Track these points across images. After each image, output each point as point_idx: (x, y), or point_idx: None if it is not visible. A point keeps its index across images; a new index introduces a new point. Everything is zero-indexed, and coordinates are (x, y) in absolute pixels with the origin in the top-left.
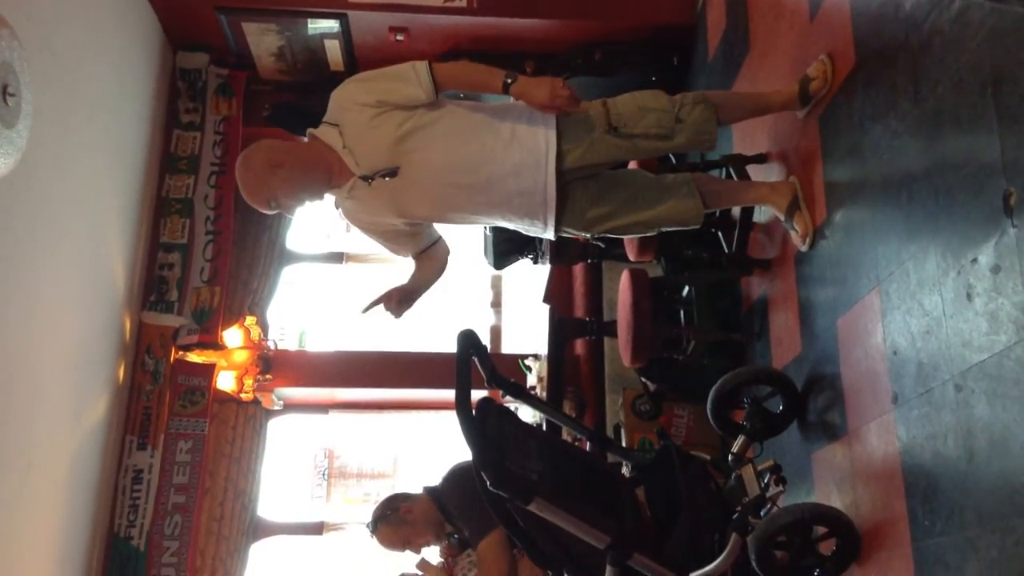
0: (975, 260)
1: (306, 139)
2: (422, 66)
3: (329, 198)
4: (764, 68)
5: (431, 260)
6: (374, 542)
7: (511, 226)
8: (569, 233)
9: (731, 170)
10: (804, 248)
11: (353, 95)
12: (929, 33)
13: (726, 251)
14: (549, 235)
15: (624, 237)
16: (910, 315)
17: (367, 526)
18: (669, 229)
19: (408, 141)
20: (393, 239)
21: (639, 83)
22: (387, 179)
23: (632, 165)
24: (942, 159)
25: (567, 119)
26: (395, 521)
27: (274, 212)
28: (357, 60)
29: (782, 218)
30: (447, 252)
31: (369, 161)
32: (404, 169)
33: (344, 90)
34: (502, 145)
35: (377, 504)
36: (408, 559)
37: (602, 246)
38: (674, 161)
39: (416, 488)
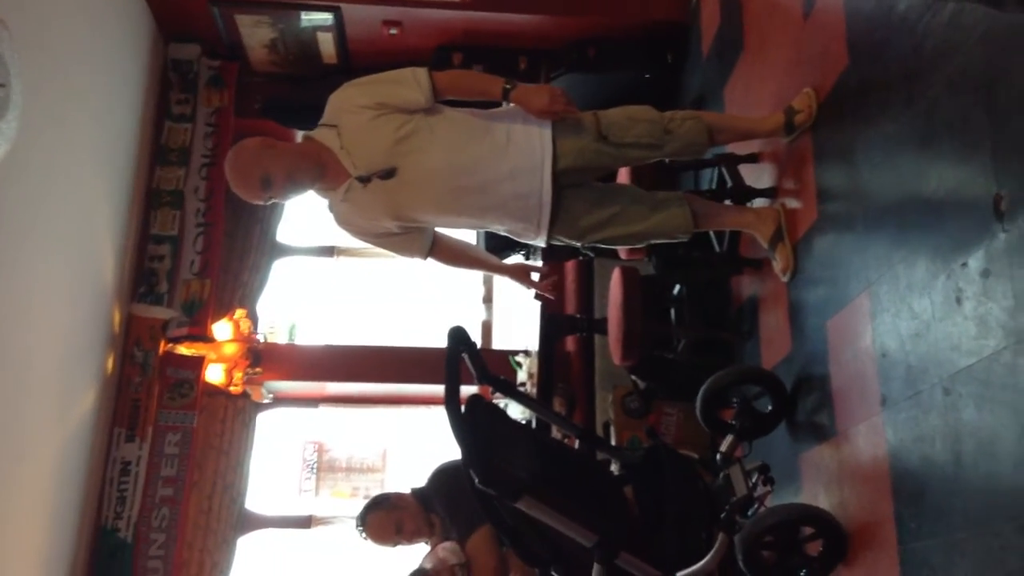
0: (965, 264)
1: (300, 137)
2: (422, 72)
3: (323, 201)
4: (758, 67)
5: (450, 247)
6: (365, 539)
7: (504, 230)
8: (561, 241)
9: (723, 169)
10: (785, 279)
11: (352, 98)
12: (922, 35)
13: (717, 250)
14: (541, 241)
15: (614, 248)
16: (899, 318)
17: (356, 522)
18: (659, 241)
19: (407, 143)
20: (391, 243)
21: (633, 80)
22: (384, 180)
23: (624, 178)
24: (934, 162)
25: (560, 125)
26: (387, 506)
27: (266, 200)
28: (350, 53)
29: (765, 246)
30: (446, 234)
31: (367, 162)
32: (402, 171)
33: (343, 93)
34: (499, 148)
35: (365, 503)
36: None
37: (592, 255)
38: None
39: (404, 488)
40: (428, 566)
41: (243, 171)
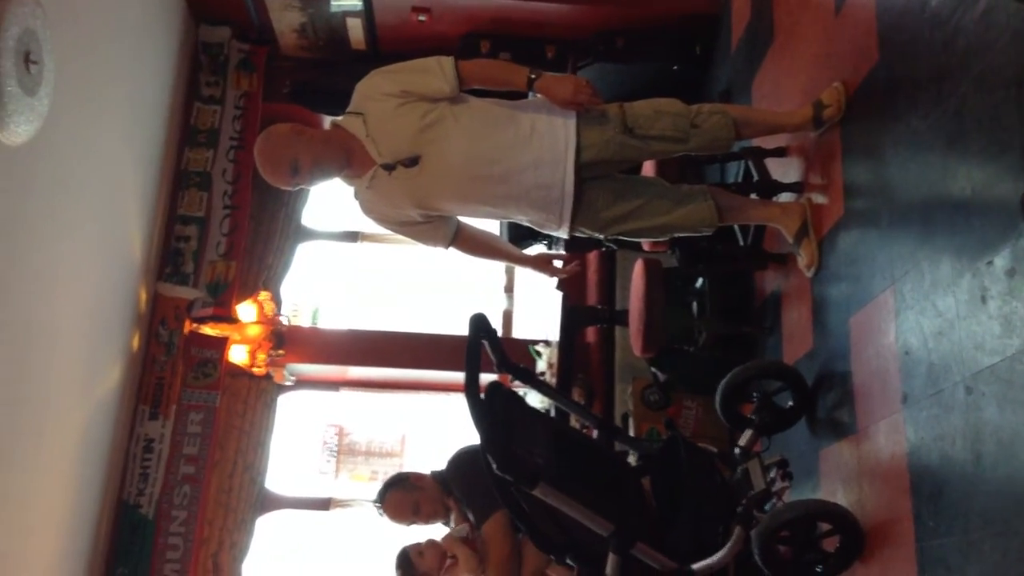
0: (991, 263)
1: (328, 123)
2: (448, 60)
3: (348, 188)
4: (787, 60)
5: (473, 238)
6: (382, 516)
7: (526, 220)
8: (583, 233)
9: (750, 163)
10: (809, 275)
11: (378, 85)
12: (953, 32)
13: (741, 244)
14: (563, 233)
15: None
16: (923, 315)
17: (375, 498)
18: (682, 235)
19: (431, 131)
20: (415, 232)
21: (660, 71)
22: (408, 169)
23: (649, 171)
24: (962, 159)
25: (585, 116)
26: (407, 487)
27: (293, 185)
28: (378, 39)
29: (790, 241)
30: (470, 224)
31: (391, 150)
32: (425, 159)
33: (369, 81)
34: (522, 138)
35: (385, 480)
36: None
37: (615, 247)
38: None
39: (423, 469)
40: (413, 546)
41: (272, 156)
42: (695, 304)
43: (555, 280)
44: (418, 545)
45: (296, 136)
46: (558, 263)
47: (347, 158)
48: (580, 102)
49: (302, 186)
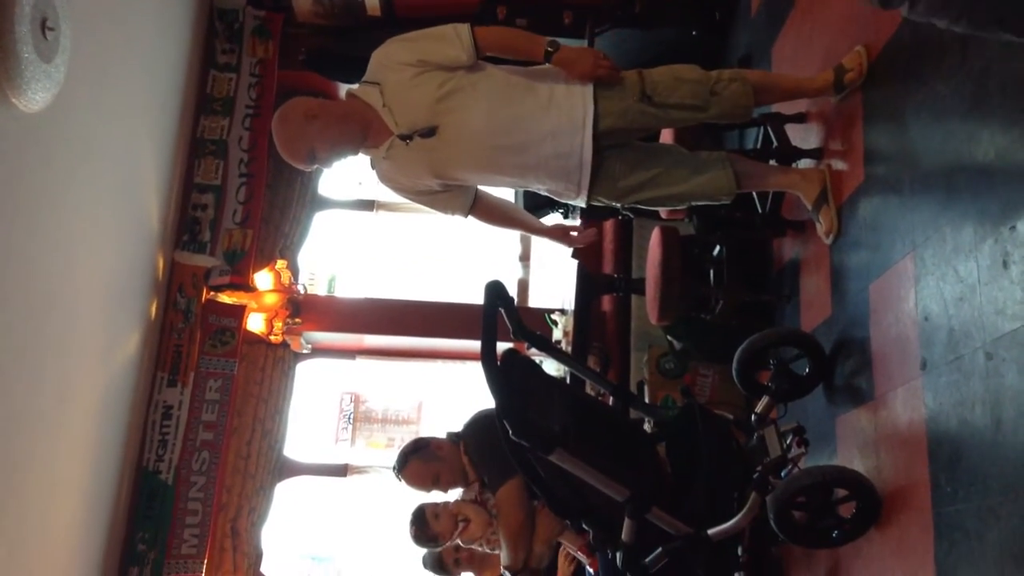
0: (1013, 227)
1: (343, 91)
2: (464, 28)
3: (364, 157)
4: (807, 24)
5: (491, 207)
6: (400, 481)
7: (543, 189)
8: (600, 201)
9: (769, 128)
10: (828, 242)
11: (395, 54)
12: None
13: (760, 211)
14: (580, 202)
15: (655, 208)
16: (944, 281)
17: (394, 465)
18: (700, 203)
19: (448, 101)
20: (432, 201)
21: (679, 37)
22: (425, 139)
23: (667, 138)
24: (985, 124)
25: (603, 84)
26: (427, 456)
27: (313, 167)
28: (394, 5)
29: (809, 207)
30: (488, 193)
31: (408, 120)
32: (442, 129)
33: (385, 50)
34: (540, 108)
35: (404, 445)
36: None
37: (632, 216)
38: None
39: (440, 434)
40: (430, 506)
41: (288, 147)
42: (712, 272)
43: (571, 249)
44: (435, 506)
45: (311, 122)
46: (574, 232)
47: (364, 133)
48: (599, 76)
49: (321, 167)
